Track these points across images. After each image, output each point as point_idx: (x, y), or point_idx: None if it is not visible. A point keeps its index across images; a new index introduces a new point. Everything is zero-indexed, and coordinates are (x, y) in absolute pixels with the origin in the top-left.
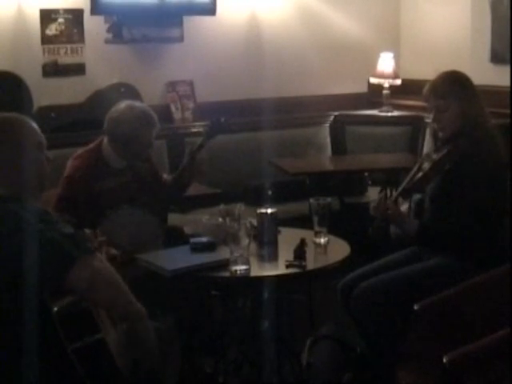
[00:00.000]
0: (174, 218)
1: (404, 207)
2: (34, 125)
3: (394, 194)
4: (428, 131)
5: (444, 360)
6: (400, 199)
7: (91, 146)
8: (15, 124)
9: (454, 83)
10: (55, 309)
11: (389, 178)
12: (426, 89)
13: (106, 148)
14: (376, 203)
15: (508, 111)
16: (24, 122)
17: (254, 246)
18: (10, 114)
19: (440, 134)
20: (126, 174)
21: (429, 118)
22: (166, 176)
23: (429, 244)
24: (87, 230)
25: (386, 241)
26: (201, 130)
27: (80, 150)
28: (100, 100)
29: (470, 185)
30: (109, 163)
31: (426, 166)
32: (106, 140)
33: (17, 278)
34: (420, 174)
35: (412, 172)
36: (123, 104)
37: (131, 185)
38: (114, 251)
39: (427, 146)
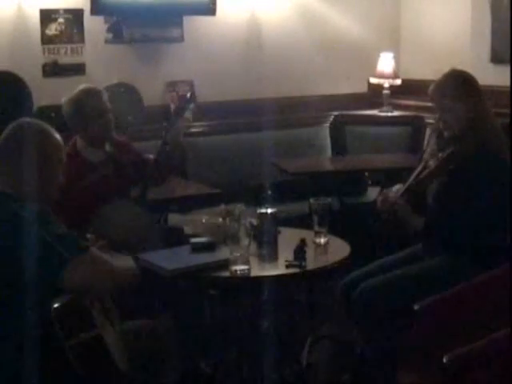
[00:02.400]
0: (174, 218)
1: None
2: (59, 141)
3: (401, 189)
4: (428, 131)
5: (444, 360)
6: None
7: (67, 147)
8: (40, 133)
9: (458, 83)
10: (53, 306)
11: (389, 177)
12: (431, 88)
13: (80, 144)
14: (383, 197)
15: (508, 111)
16: (50, 135)
17: (254, 246)
18: (41, 124)
19: (445, 134)
20: (106, 167)
21: (429, 118)
22: (151, 157)
23: (432, 240)
24: (88, 235)
25: (391, 235)
26: (201, 130)
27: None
28: None
29: (474, 184)
30: (86, 158)
31: (432, 164)
32: (78, 137)
33: (13, 275)
34: (426, 172)
35: (418, 170)
36: None
37: (113, 177)
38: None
39: (427, 145)
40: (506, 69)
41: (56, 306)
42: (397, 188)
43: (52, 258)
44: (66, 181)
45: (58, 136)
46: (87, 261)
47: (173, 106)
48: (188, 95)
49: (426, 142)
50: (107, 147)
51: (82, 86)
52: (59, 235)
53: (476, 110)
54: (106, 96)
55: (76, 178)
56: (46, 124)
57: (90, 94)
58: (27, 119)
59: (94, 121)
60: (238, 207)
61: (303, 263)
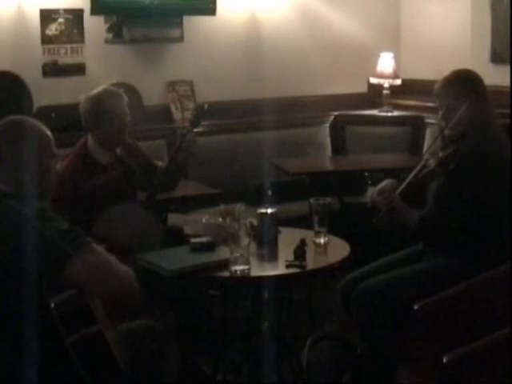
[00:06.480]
0: (174, 218)
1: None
2: (50, 135)
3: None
4: (428, 131)
5: (444, 360)
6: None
7: (77, 145)
8: (34, 128)
9: (467, 84)
10: (53, 304)
11: (389, 177)
12: (438, 86)
13: (90, 144)
14: (381, 194)
15: (508, 111)
16: (42, 130)
17: (253, 246)
18: (32, 120)
19: (446, 132)
20: (114, 170)
21: (429, 118)
22: (160, 163)
23: (428, 240)
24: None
25: (389, 231)
26: (200, 129)
27: (67, 151)
28: None
29: (473, 184)
30: (96, 159)
31: (432, 162)
32: (89, 137)
33: (15, 272)
34: (425, 171)
35: (417, 168)
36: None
37: (121, 180)
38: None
39: (427, 145)
40: (506, 69)
41: (57, 302)
42: (383, 184)
43: (55, 254)
44: (72, 179)
45: (47, 131)
46: (89, 259)
47: (173, 107)
48: (205, 106)
49: (431, 141)
50: (117, 150)
51: (103, 86)
52: (62, 231)
53: (480, 112)
54: (125, 100)
55: (83, 178)
56: (35, 119)
57: (111, 96)
58: (15, 116)
59: (110, 123)
60: (238, 207)
61: (303, 263)
